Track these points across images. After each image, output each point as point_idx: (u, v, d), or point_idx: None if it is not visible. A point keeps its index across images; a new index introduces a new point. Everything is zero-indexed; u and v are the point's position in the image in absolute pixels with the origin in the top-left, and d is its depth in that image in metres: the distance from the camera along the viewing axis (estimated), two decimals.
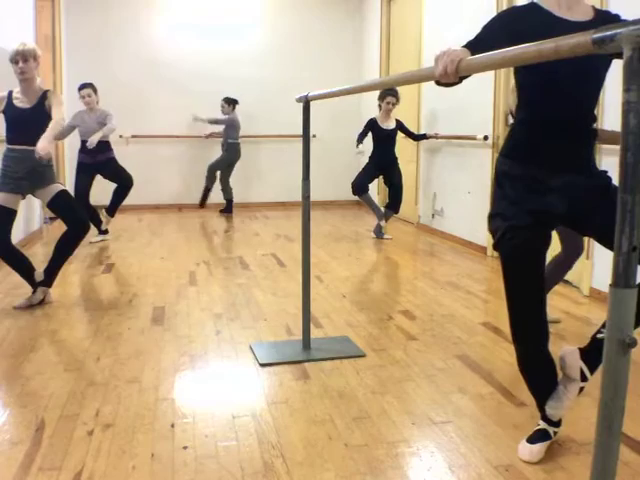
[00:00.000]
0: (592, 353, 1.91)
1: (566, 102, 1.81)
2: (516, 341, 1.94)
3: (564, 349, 1.97)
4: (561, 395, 1.96)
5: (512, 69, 1.97)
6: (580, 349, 1.95)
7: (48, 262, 3.68)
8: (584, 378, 1.93)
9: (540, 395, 2.02)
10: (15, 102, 3.56)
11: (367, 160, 6.06)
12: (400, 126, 5.93)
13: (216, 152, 7.61)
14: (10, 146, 3.56)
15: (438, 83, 1.63)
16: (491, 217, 1.94)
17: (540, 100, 1.84)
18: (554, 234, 2.03)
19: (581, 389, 1.96)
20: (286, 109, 7.47)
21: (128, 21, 7.60)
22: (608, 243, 1.78)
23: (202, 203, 7.74)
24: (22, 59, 3.42)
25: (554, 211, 1.85)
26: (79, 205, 3.95)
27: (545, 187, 1.84)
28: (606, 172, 1.90)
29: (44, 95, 3.56)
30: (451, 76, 1.52)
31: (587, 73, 1.78)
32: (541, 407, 2.03)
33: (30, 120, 3.52)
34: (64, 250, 3.68)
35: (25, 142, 3.49)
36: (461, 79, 1.57)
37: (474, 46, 1.68)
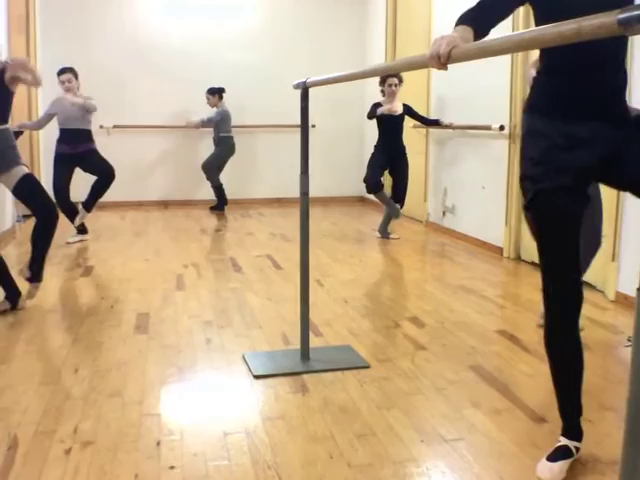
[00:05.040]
0: None
1: (590, 42, 1.81)
2: (546, 308, 1.98)
3: None
4: None
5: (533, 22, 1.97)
6: None
7: (29, 258, 3.69)
8: None
9: (561, 382, 2.01)
10: None
11: (372, 150, 6.00)
12: (408, 110, 5.88)
13: (206, 142, 7.61)
14: None
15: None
16: (521, 179, 1.95)
17: None
18: None
19: None
20: (283, 97, 7.47)
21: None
22: None
23: (220, 206, 7.50)
24: None
25: (584, 167, 1.84)
26: (45, 192, 3.78)
27: (572, 141, 1.83)
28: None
29: (2, 70, 3.56)
30: (439, 62, 1.59)
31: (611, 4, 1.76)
32: (561, 403, 2.02)
33: None
34: (39, 243, 3.68)
35: None
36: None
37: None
